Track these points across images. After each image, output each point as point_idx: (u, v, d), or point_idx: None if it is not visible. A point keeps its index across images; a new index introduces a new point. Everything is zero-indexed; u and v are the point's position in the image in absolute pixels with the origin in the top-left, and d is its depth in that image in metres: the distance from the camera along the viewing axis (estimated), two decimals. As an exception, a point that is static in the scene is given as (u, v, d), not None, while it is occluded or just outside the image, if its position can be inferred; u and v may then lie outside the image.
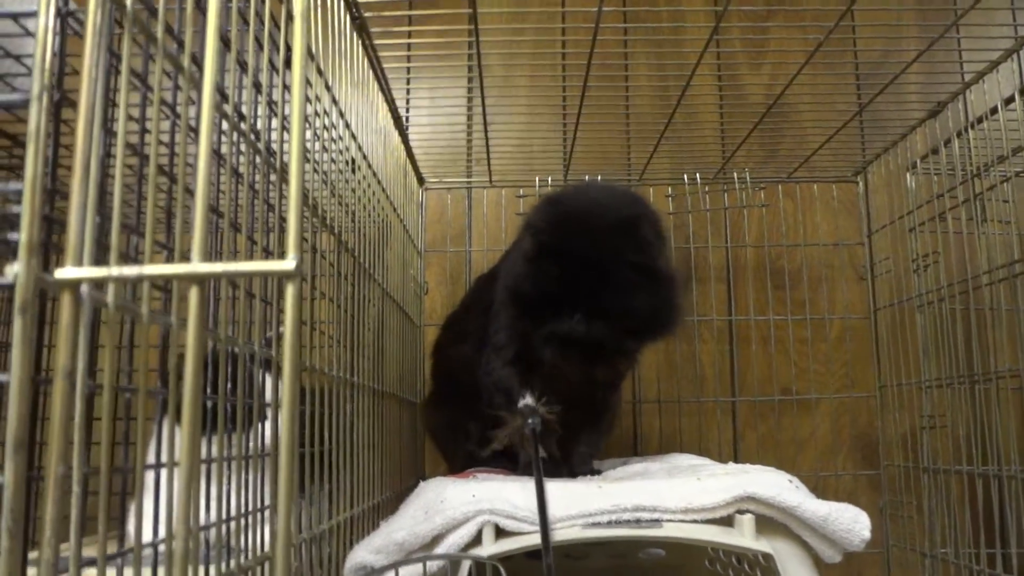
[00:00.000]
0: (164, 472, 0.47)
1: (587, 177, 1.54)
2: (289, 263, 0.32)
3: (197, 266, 0.32)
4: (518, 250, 1.08)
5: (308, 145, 0.78)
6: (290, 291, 0.33)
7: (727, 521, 0.82)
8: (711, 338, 1.58)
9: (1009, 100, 1.06)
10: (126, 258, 0.40)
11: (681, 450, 1.38)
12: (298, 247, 0.32)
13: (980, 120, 1.12)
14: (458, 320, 1.35)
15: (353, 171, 0.95)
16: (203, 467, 0.53)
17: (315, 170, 0.79)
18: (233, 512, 0.59)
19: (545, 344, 1.01)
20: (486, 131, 1.37)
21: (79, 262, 0.32)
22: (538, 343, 1.01)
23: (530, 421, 0.94)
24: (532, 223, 1.04)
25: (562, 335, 0.98)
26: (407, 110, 1.33)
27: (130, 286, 0.42)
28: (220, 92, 0.54)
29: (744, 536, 0.80)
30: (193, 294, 0.33)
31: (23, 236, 0.31)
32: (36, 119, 0.31)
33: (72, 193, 0.32)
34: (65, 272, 0.32)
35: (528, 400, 0.96)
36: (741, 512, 0.82)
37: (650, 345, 1.10)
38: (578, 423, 1.12)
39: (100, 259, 0.36)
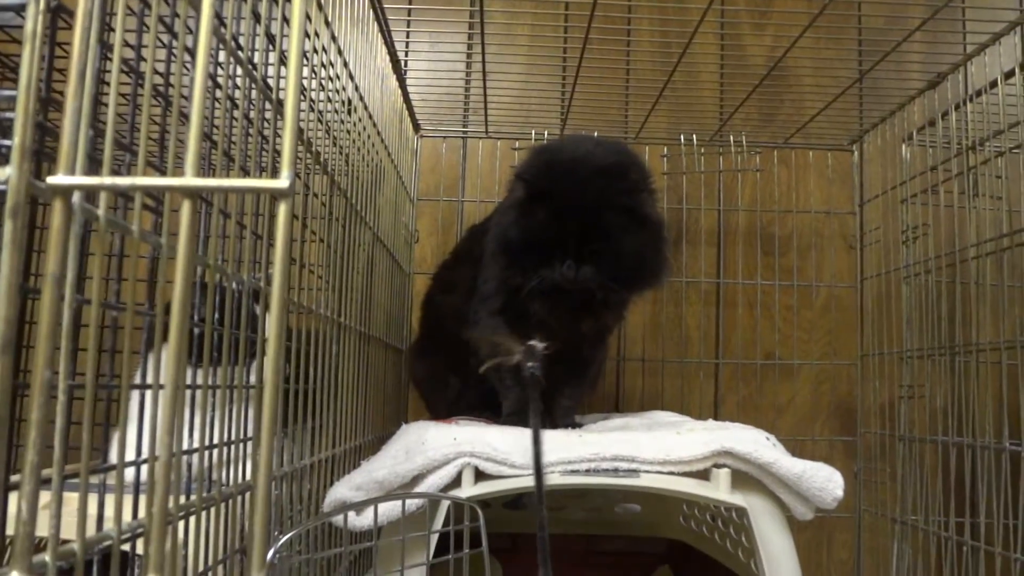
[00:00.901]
0: (148, 402, 0.47)
1: (583, 132, 1.54)
2: (283, 181, 0.32)
3: (190, 180, 0.32)
4: (508, 200, 1.08)
5: (304, 83, 0.77)
6: (282, 210, 0.33)
7: (703, 474, 0.84)
8: (698, 300, 1.58)
9: (1010, 74, 1.06)
10: (118, 175, 0.40)
11: (663, 409, 1.40)
12: (291, 166, 0.32)
13: (979, 93, 1.12)
14: (448, 270, 1.35)
15: (349, 112, 0.94)
16: (193, 398, 0.53)
17: (311, 108, 0.79)
18: (217, 444, 0.60)
19: (533, 293, 1.01)
20: (485, 81, 1.35)
21: (71, 171, 0.32)
22: (527, 292, 1.01)
23: (530, 365, 0.95)
24: (521, 171, 1.05)
25: (552, 282, 0.99)
26: (406, 55, 1.31)
27: (122, 207, 0.42)
28: (217, 17, 0.53)
29: (719, 490, 0.82)
30: (185, 207, 0.33)
31: (16, 139, 0.30)
32: (32, 21, 0.31)
33: (66, 100, 0.32)
34: (57, 179, 0.32)
35: (537, 342, 0.97)
36: (718, 466, 0.83)
37: (638, 296, 1.11)
38: (562, 376, 1.13)
39: (93, 174, 0.35)
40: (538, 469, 0.79)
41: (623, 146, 1.12)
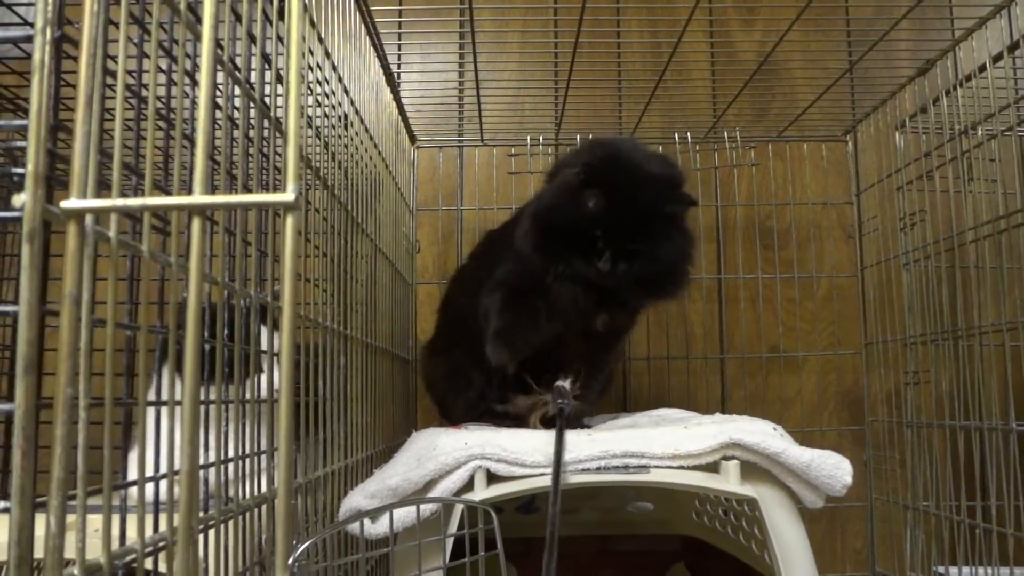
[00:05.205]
0: (163, 422, 0.48)
1: (578, 137, 1.55)
2: (289, 195, 0.33)
3: (198, 198, 0.33)
4: (554, 184, 1.09)
5: (301, 99, 0.78)
6: (289, 223, 0.34)
7: (713, 467, 0.84)
8: (700, 297, 1.59)
9: (998, 57, 1.06)
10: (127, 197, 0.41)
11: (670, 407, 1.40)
12: (297, 179, 0.33)
13: (969, 78, 1.13)
14: (466, 272, 1.34)
15: (346, 127, 0.95)
16: (207, 413, 0.54)
17: (308, 124, 0.80)
18: (232, 458, 0.61)
19: (559, 279, 1.03)
20: (478, 89, 1.37)
21: (83, 195, 0.33)
22: (553, 277, 1.03)
23: (560, 401, 0.97)
24: (582, 158, 1.06)
25: (585, 273, 1.01)
26: (399, 67, 1.33)
27: (133, 227, 0.43)
28: (216, 41, 0.55)
29: (729, 481, 0.82)
30: (195, 225, 0.34)
31: (29, 166, 0.31)
32: (40, 51, 0.32)
33: (76, 126, 0.33)
34: (70, 203, 0.33)
35: (563, 382, 0.99)
36: (726, 458, 0.84)
37: (654, 303, 1.13)
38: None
39: (102, 197, 0.36)
40: (557, 472, 0.79)
41: (675, 161, 1.14)
